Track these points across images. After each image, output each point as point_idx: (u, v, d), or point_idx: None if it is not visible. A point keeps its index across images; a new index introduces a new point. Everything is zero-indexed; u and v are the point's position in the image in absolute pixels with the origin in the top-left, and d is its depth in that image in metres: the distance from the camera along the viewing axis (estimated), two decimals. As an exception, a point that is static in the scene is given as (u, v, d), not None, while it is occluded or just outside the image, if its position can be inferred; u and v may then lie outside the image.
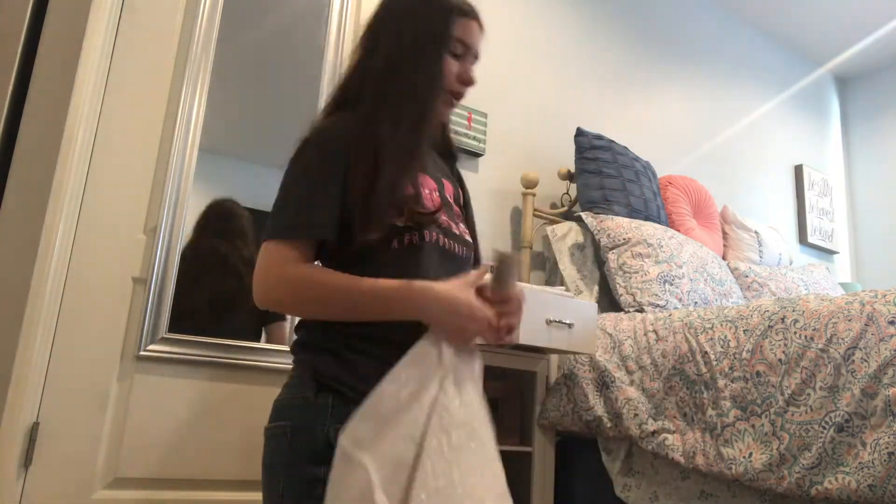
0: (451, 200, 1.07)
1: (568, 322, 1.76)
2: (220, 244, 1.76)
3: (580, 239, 2.34)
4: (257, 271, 0.92)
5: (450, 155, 1.17)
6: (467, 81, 1.04)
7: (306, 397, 0.92)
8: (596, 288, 2.32)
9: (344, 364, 0.93)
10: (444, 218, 1.01)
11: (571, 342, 1.74)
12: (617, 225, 2.25)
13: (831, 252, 3.83)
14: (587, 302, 1.98)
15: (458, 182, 1.15)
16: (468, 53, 1.04)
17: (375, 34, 1.04)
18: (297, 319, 1.03)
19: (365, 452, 0.81)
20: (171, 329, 1.55)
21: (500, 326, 0.93)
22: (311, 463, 0.87)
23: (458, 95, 1.05)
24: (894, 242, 3.79)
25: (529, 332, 1.70)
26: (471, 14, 1.04)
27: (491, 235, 2.34)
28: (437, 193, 1.03)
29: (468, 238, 1.07)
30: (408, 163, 0.96)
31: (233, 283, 1.74)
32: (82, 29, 1.46)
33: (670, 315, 1.82)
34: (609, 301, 2.25)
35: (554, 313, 1.74)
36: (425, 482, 0.80)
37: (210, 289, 1.72)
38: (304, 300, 0.93)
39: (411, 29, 1.01)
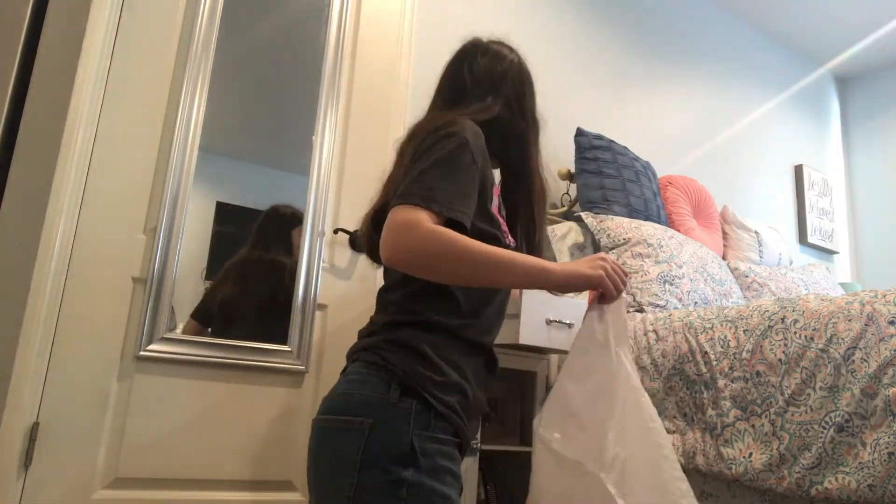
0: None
1: (568, 322, 1.76)
2: (265, 254, 1.81)
3: (580, 239, 2.34)
4: (399, 226, 0.91)
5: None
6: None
7: (387, 397, 0.93)
8: (596, 288, 2.32)
9: (432, 370, 0.96)
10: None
11: (571, 342, 1.75)
12: (617, 225, 2.25)
13: (831, 252, 3.83)
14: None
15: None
16: None
17: (501, 79, 1.18)
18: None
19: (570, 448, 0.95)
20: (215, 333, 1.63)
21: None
22: (396, 464, 0.89)
23: None
24: (894, 242, 3.79)
25: (529, 332, 1.70)
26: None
27: (491, 235, 2.34)
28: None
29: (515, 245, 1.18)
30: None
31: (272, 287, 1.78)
32: (82, 29, 1.46)
33: (670, 315, 1.82)
34: (609, 301, 2.24)
35: (554, 313, 1.75)
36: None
37: (259, 295, 1.77)
38: (454, 255, 0.92)
39: (526, 91, 1.21)
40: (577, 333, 1.08)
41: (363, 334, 1.06)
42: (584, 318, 1.07)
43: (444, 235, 0.91)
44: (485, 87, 1.17)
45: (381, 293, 1.09)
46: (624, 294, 1.09)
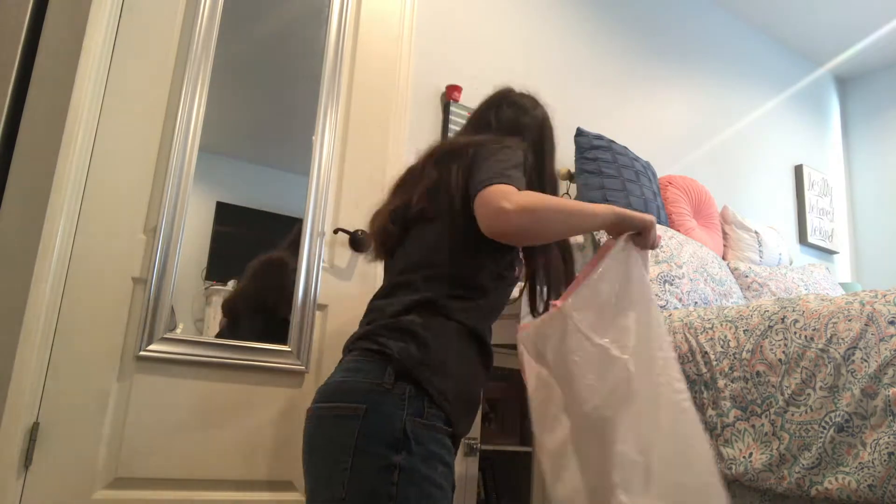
0: None
1: (568, 322, 1.75)
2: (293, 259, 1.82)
3: (580, 239, 2.34)
4: (499, 197, 0.99)
5: None
6: None
7: (381, 382, 0.95)
8: (596, 288, 2.32)
9: (428, 355, 0.98)
10: None
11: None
12: (617, 225, 2.25)
13: (831, 252, 3.83)
14: (587, 302, 1.97)
15: None
16: None
17: (524, 131, 1.28)
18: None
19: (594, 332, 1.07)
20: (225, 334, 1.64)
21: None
22: (389, 448, 0.90)
23: None
24: (894, 242, 3.79)
25: (529, 332, 1.69)
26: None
27: (491, 235, 2.34)
28: None
29: None
30: None
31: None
32: (82, 29, 1.46)
33: (670, 315, 1.82)
34: (609, 301, 2.24)
35: (554, 313, 1.74)
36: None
37: (278, 296, 1.78)
38: (553, 211, 1.04)
39: (550, 151, 1.35)
40: (609, 254, 1.15)
41: (363, 323, 1.09)
42: (615, 248, 1.15)
43: (537, 195, 1.02)
44: (508, 133, 1.23)
45: (381, 288, 1.13)
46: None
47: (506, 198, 0.98)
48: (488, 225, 0.99)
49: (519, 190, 1.01)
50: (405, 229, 1.13)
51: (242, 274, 1.76)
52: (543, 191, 1.20)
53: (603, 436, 1.02)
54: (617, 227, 1.14)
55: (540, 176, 1.22)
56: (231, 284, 1.74)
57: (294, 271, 1.75)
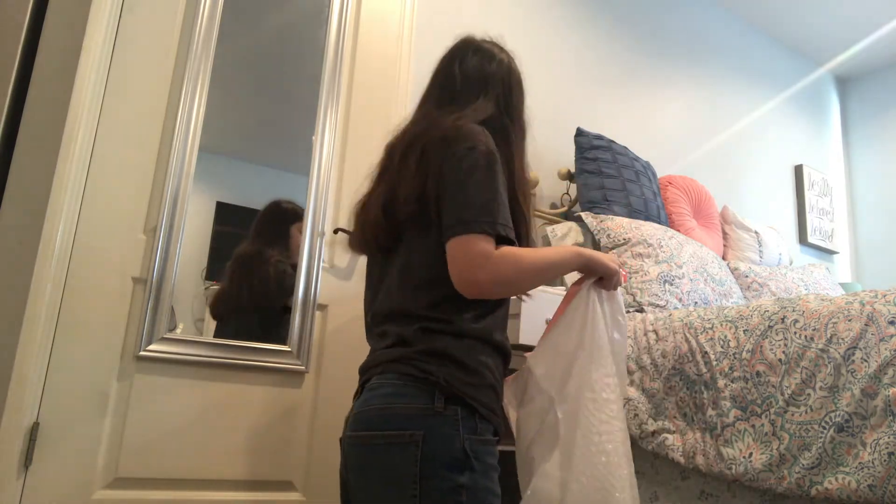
0: None
1: (568, 322, 1.75)
2: (265, 249, 1.80)
3: (580, 239, 2.34)
4: (477, 258, 0.99)
5: None
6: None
7: (432, 407, 0.96)
8: (596, 288, 2.31)
9: (470, 376, 1.00)
10: None
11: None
12: (617, 225, 2.25)
13: (831, 252, 3.83)
14: (587, 302, 1.97)
15: None
16: None
17: (490, 78, 1.22)
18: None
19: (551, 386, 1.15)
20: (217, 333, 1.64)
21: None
22: (453, 471, 0.93)
23: None
24: (894, 242, 3.79)
25: (529, 332, 1.70)
26: None
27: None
28: None
29: None
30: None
31: (267, 284, 1.78)
32: (82, 29, 1.46)
33: (670, 315, 1.82)
34: (609, 301, 2.24)
35: (553, 313, 1.74)
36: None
37: (257, 291, 1.77)
38: (528, 274, 1.06)
39: (519, 96, 1.25)
40: (571, 302, 1.22)
41: (384, 345, 1.06)
42: (578, 295, 1.22)
43: (511, 258, 1.02)
44: (474, 87, 1.19)
45: (390, 303, 1.09)
46: (620, 289, 1.28)
47: (481, 267, 0.99)
48: (458, 286, 1.01)
49: (501, 225, 1.01)
50: (397, 230, 1.10)
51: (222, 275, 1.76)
52: (511, 130, 1.19)
53: (530, 473, 1.12)
54: (585, 269, 1.20)
55: (510, 117, 1.20)
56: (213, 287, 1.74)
57: (269, 259, 1.75)
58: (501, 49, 1.27)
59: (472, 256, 0.98)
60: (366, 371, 1.07)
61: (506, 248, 1.02)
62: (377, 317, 1.11)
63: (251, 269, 1.77)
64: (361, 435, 0.98)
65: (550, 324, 1.24)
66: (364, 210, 1.18)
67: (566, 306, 1.22)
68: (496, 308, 1.10)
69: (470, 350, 1.02)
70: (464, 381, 0.99)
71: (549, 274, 1.11)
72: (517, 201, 1.15)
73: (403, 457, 0.93)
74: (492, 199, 1.02)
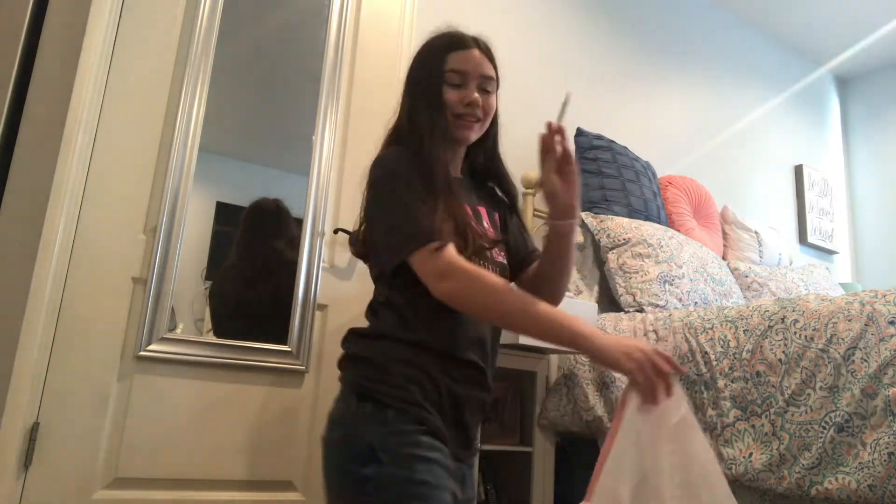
0: (487, 226, 1.18)
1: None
2: (277, 244, 1.82)
3: (580, 239, 2.34)
4: (436, 281, 1.00)
5: (497, 180, 1.31)
6: (472, 102, 1.13)
7: (350, 408, 1.03)
8: (596, 288, 2.32)
9: (381, 372, 1.04)
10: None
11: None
12: (617, 225, 2.25)
13: (831, 252, 3.83)
14: (587, 302, 1.98)
15: (509, 203, 1.30)
16: (468, 79, 1.14)
17: (406, 85, 1.19)
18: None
19: None
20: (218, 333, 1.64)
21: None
22: (357, 464, 0.97)
23: (471, 117, 1.14)
24: (894, 242, 3.79)
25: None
26: (463, 46, 1.15)
27: (491, 235, 2.34)
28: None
29: (503, 261, 1.18)
30: (431, 191, 1.05)
31: (288, 282, 1.76)
32: (82, 29, 1.46)
33: (670, 315, 1.82)
34: (609, 301, 2.24)
35: (554, 313, 1.74)
36: None
37: (271, 290, 1.77)
38: (477, 304, 1.02)
39: (417, 74, 1.17)
40: (620, 425, 0.95)
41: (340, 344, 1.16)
42: (626, 415, 0.94)
43: (464, 277, 1.00)
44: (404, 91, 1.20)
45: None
46: (675, 401, 0.93)
47: (440, 280, 1.00)
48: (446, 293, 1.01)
49: (419, 244, 1.00)
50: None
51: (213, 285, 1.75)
52: (435, 198, 1.05)
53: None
54: (590, 358, 1.01)
55: (428, 106, 1.12)
56: (204, 291, 1.73)
57: (264, 271, 1.76)
58: (425, 41, 1.19)
59: (429, 272, 1.01)
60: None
61: (469, 272, 0.99)
62: None
63: (238, 282, 1.78)
64: (322, 437, 1.07)
65: (602, 456, 0.95)
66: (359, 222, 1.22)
67: (614, 435, 0.94)
68: (432, 320, 1.05)
69: (387, 350, 1.05)
70: (372, 379, 1.03)
71: (521, 327, 1.05)
72: (443, 196, 1.06)
73: (329, 455, 1.02)
74: (399, 222, 1.03)
